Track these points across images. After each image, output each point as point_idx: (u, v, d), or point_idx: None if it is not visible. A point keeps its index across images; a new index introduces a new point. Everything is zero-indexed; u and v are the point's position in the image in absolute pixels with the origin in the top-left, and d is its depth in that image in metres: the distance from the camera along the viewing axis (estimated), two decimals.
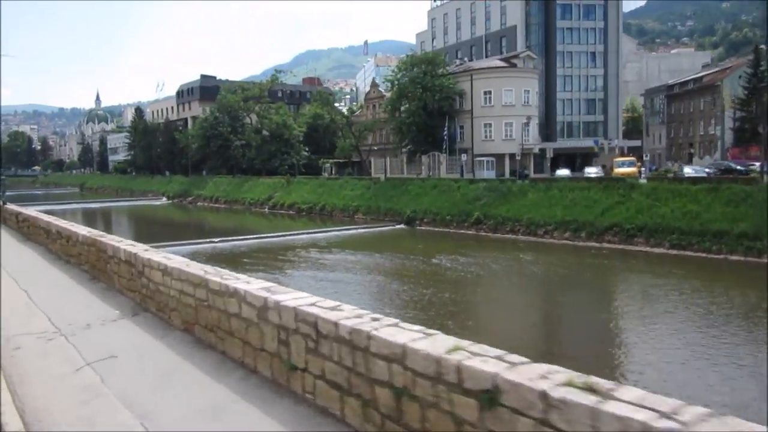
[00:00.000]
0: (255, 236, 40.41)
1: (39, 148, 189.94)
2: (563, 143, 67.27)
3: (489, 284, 26.27)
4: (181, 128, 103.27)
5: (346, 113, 70.14)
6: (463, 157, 52.44)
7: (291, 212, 59.15)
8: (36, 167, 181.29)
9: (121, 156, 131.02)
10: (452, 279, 26.92)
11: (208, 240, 38.26)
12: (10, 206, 21.58)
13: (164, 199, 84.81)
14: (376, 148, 63.85)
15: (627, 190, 35.81)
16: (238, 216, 62.57)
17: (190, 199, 79.32)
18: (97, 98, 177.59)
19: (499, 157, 53.82)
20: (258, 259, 32.40)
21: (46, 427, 5.16)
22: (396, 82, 55.16)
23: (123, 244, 9.88)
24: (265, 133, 78.27)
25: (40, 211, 31.75)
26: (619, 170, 42.65)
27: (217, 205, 72.57)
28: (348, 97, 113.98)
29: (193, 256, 30.90)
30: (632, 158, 48.53)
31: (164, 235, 47.26)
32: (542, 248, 34.22)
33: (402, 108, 56.64)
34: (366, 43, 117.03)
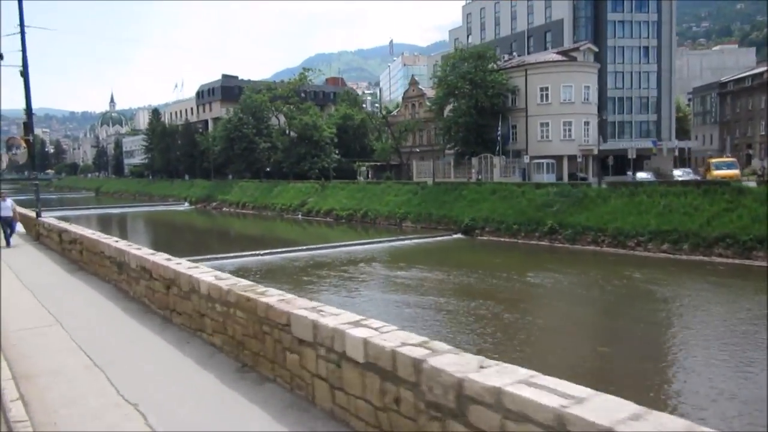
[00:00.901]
0: (303, 248, 36.19)
1: (52, 151, 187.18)
2: (613, 144, 62.68)
3: (625, 313, 21.62)
4: (201, 130, 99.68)
5: (382, 113, 65.92)
6: (525, 158, 48.09)
7: (328, 219, 54.98)
8: (49, 170, 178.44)
9: (137, 159, 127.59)
10: (563, 304, 22.55)
11: (253, 252, 34.13)
12: (49, 219, 17.61)
13: (186, 204, 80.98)
14: (418, 150, 59.61)
15: (734, 195, 31.31)
16: (271, 223, 58.47)
17: (215, 204, 75.37)
18: (112, 100, 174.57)
19: (557, 160, 49.44)
20: (319, 276, 28.17)
21: None
22: (445, 79, 50.86)
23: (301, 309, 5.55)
24: (292, 134, 74.27)
25: (57, 217, 27.88)
26: (719, 172, 38.11)
27: (244, 211, 68.54)
28: (368, 99, 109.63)
29: (242, 272, 26.67)
30: (732, 159, 44.00)
31: (201, 245, 43.26)
32: (640, 263, 29.74)
33: (449, 107, 52.36)
34: (391, 42, 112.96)
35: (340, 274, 28.38)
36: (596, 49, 54.18)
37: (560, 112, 49.35)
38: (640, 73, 66.29)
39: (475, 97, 48.94)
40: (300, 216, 58.87)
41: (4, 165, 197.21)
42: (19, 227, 18.65)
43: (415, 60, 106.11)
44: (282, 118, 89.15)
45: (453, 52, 53.61)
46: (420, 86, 63.72)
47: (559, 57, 50.46)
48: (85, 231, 12.28)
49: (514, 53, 56.46)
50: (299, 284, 26.61)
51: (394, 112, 64.43)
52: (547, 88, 49.61)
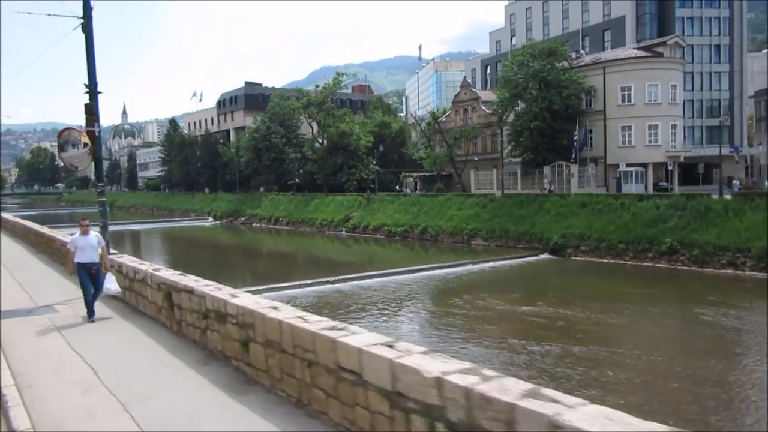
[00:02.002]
0: (375, 272, 30.51)
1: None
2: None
3: None
4: (222, 141, 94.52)
5: (428, 119, 60.39)
6: (622, 166, 42.43)
7: (378, 236, 49.33)
8: (59, 184, 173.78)
9: (152, 172, 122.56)
10: None
11: (322, 279, 28.48)
12: (133, 262, 11.13)
13: (210, 219, 75.65)
14: (477, 158, 53.98)
15: None
16: (312, 241, 52.88)
17: (243, 219, 69.90)
18: (124, 112, 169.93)
19: (640, 167, 43.81)
20: (433, 314, 22.47)
21: None
22: (511, 79, 45.35)
23: None
24: (327, 143, 68.87)
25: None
26: None
27: (277, 227, 62.97)
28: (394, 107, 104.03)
29: (320, 305, 20.95)
30: None
31: (248, 269, 37.62)
32: None
33: (517, 110, 46.83)
34: (420, 48, 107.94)
35: (452, 311, 22.64)
36: (684, 44, 48.67)
37: (645, 114, 43.76)
38: (711, 73, 60.78)
39: (547, 99, 43.41)
40: (344, 232, 53.29)
41: (13, 178, 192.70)
42: (112, 284, 10.38)
43: (447, 66, 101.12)
44: (313, 127, 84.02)
45: (520, 48, 48.13)
46: (473, 89, 58.25)
47: (642, 53, 44.99)
48: (248, 301, 6.60)
49: (581, 51, 51.07)
50: (413, 325, 20.96)
51: (443, 118, 58.94)
52: (629, 88, 44.05)
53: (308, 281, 28.21)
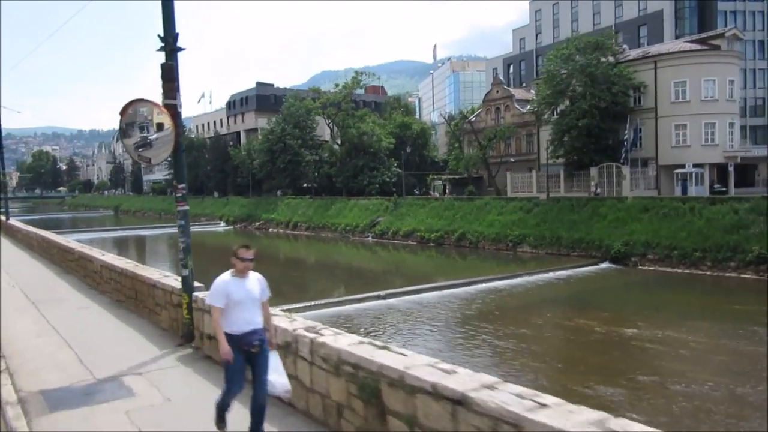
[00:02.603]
0: (428, 285, 27.24)
1: (64, 168, 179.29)
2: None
3: None
4: (232, 143, 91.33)
5: (456, 120, 57.18)
6: (688, 167, 39.17)
7: (409, 242, 46.07)
8: (61, 188, 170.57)
9: (158, 175, 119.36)
10: None
11: (372, 294, 25.20)
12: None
13: (222, 224, 72.32)
14: (513, 160, 50.72)
15: None
16: (336, 247, 49.63)
17: (258, 224, 66.59)
18: None
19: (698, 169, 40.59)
20: (502, 335, 19.13)
21: None
22: (555, 74, 42.13)
23: None
24: (346, 145, 65.67)
25: (81, 241, 19.58)
26: None
27: (296, 233, 59.69)
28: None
29: (383, 325, 17.39)
30: None
31: (284, 282, 34.24)
32: None
33: (556, 108, 43.63)
34: (435, 47, 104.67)
35: (545, 334, 19.35)
36: (743, 36, 45.48)
37: (701, 111, 40.55)
38: (755, 70, 57.66)
39: (596, 95, 40.20)
40: (370, 238, 50.02)
41: (14, 182, 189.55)
42: (281, 376, 5.23)
43: (464, 66, 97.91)
44: (332, 128, 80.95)
45: (564, 41, 44.95)
46: (505, 86, 55.04)
47: (697, 45, 41.83)
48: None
49: (624, 45, 47.96)
50: (522, 358, 17.68)
51: (472, 117, 55.72)
52: (684, 83, 40.87)
53: (357, 296, 24.93)
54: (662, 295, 26.35)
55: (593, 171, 42.25)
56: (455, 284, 27.31)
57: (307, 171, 71.21)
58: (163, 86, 6.69)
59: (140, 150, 6.72)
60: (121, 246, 56.05)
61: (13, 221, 25.66)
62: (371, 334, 19.91)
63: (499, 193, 49.70)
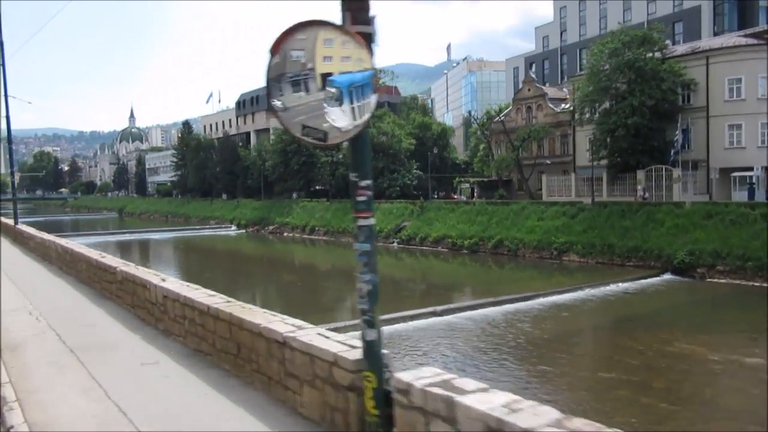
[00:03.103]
0: (487, 300, 24.41)
1: (66, 169, 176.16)
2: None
3: None
4: (241, 144, 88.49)
5: (480, 120, 54.31)
6: (757, 170, 36.28)
7: (439, 248, 43.24)
8: (63, 189, 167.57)
9: (163, 177, 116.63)
10: None
11: (427, 310, 22.39)
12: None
13: (233, 227, 69.44)
14: (549, 161, 47.83)
15: None
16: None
17: (271, 228, 63.71)
18: (131, 115, 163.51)
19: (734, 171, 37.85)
20: (596, 366, 16.25)
21: None
22: (599, 71, 39.29)
23: None
24: None
25: (88, 245, 17.70)
26: None
27: (313, 237, 56.81)
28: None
29: (455, 349, 14.59)
30: None
31: (318, 295, 31.39)
32: None
33: (596, 107, 40.75)
34: (449, 46, 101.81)
35: (651, 363, 16.46)
36: None
37: (757, 110, 37.76)
38: None
39: (646, 93, 37.37)
40: (396, 244, 47.16)
41: (17, 180, 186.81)
42: None
43: (481, 65, 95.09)
44: None
45: (609, 35, 42.09)
46: (537, 84, 52.18)
47: (753, 40, 39.09)
48: None
49: (668, 41, 45.24)
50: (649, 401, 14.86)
51: (501, 117, 52.86)
52: (739, 80, 38.10)
53: (409, 313, 22.07)
54: (754, 313, 23.45)
55: (640, 174, 39.38)
56: (514, 298, 24.47)
57: (322, 173, 68.44)
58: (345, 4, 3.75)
59: (298, 118, 3.72)
60: (127, 250, 53.18)
61: (23, 226, 22.68)
62: (432, 357, 17.08)
63: (533, 197, 46.85)
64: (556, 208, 39.36)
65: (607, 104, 40.23)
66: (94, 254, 11.60)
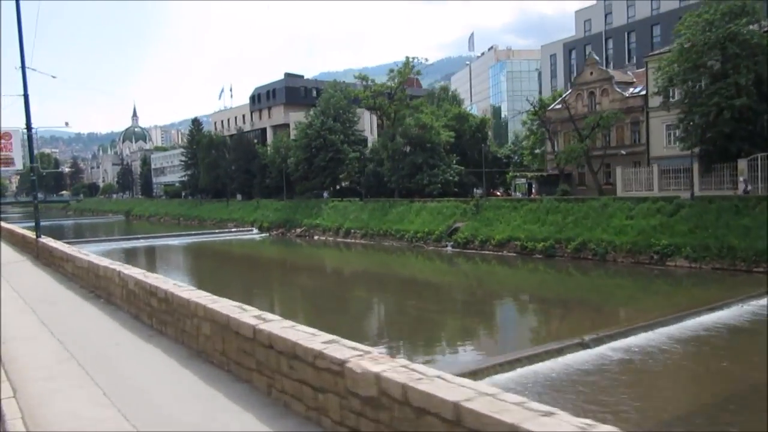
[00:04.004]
0: (638, 325, 19.28)
1: (67, 170, 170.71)
2: None
3: None
4: (256, 141, 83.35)
5: (531, 110, 49.07)
6: None
7: (505, 253, 38.18)
8: (63, 192, 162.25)
9: (171, 177, 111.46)
10: None
11: (573, 342, 17.24)
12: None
13: (255, 230, 64.29)
14: (624, 152, 42.60)
15: None
16: (412, 260, 41.84)
17: (299, 230, 58.55)
18: (134, 114, 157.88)
19: None
20: None
21: None
22: (692, 46, 34.17)
23: None
24: (399, 140, 57.72)
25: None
26: None
27: (348, 241, 51.71)
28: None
29: None
30: None
31: (397, 318, 26.22)
32: None
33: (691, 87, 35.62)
34: (472, 36, 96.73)
35: None
36: None
37: None
38: None
39: (752, 69, 32.35)
40: (450, 248, 42.10)
41: (14, 186, 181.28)
42: None
43: (509, 54, 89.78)
44: (369, 122, 73.20)
45: (699, 9, 36.99)
46: (601, 66, 47.02)
47: None
48: None
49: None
50: None
51: (557, 105, 47.80)
52: None
53: (549, 347, 16.96)
54: None
55: (742, 163, 34.31)
56: (669, 319, 19.38)
57: (350, 170, 63.37)
58: None
59: None
60: (150, 258, 48.02)
61: (49, 240, 17.30)
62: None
63: (602, 192, 41.80)
64: (647, 204, 34.25)
65: (697, 84, 35.14)
66: (150, 281, 6.60)
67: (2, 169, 23.41)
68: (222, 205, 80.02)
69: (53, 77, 22.03)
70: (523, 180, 48.27)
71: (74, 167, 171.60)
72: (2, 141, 20.06)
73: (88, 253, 13.52)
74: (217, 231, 63.87)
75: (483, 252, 39.65)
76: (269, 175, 73.81)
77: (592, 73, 46.09)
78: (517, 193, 48.43)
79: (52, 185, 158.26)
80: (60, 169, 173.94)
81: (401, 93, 57.98)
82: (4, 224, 29.17)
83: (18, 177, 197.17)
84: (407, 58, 58.48)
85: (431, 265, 39.67)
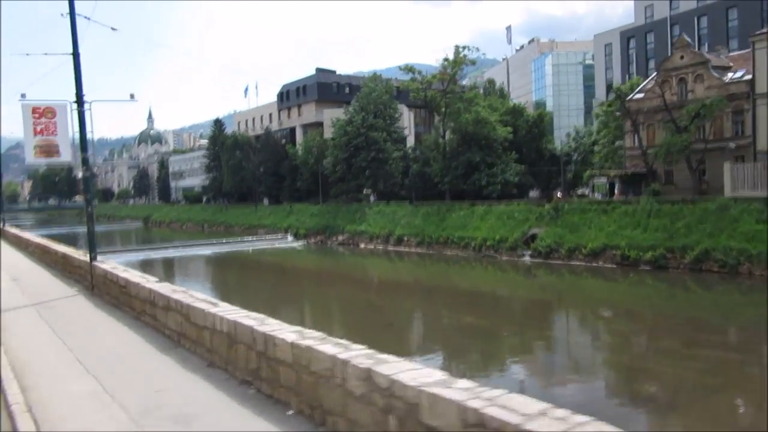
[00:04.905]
0: None
1: (81, 176, 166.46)
2: None
3: None
4: (284, 141, 78.39)
5: (607, 101, 43.80)
6: None
7: (600, 264, 32.90)
8: (77, 197, 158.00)
9: (191, 181, 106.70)
10: None
11: None
12: None
13: (290, 237, 59.22)
14: (733, 145, 37.01)
15: None
16: (485, 272, 36.65)
17: (342, 238, 53.44)
18: (150, 117, 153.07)
19: None
20: None
21: None
22: None
23: None
24: (450, 136, 52.59)
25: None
26: None
27: (401, 249, 46.55)
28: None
29: None
30: None
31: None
32: None
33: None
34: (509, 28, 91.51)
35: None
36: None
37: None
38: None
39: None
40: (528, 258, 36.82)
41: (26, 192, 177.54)
42: None
43: (552, 46, 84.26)
44: (410, 119, 68.25)
45: None
46: (694, 49, 41.60)
47: None
48: None
49: None
50: None
51: (639, 94, 42.42)
52: None
53: None
54: None
55: None
56: None
57: (393, 170, 58.19)
58: None
59: None
60: (183, 271, 43.07)
61: (117, 268, 11.64)
62: None
63: (703, 192, 36.43)
64: None
65: None
66: None
67: (44, 161, 17.34)
68: (249, 209, 75.11)
69: (113, 29, 16.81)
70: (604, 179, 42.84)
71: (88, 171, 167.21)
72: (42, 119, 14.11)
73: (192, 293, 8.43)
74: (248, 239, 58.83)
75: (572, 263, 34.36)
76: (300, 177, 68.88)
77: (682, 57, 40.64)
78: (596, 194, 43.11)
79: (65, 191, 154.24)
80: (74, 174, 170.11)
81: (453, 85, 52.79)
82: (29, 235, 24.23)
83: (31, 182, 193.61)
84: (457, 46, 53.22)
85: (521, 279, 34.48)
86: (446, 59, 50.86)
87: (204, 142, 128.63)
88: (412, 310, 28.33)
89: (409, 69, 54.86)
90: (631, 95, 43.52)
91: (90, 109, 13.46)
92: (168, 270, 42.82)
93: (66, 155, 15.34)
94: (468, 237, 41.49)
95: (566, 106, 74.77)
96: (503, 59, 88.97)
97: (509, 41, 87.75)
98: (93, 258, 12.42)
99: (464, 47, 53.05)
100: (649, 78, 44.58)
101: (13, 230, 32.40)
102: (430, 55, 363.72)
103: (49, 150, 14.62)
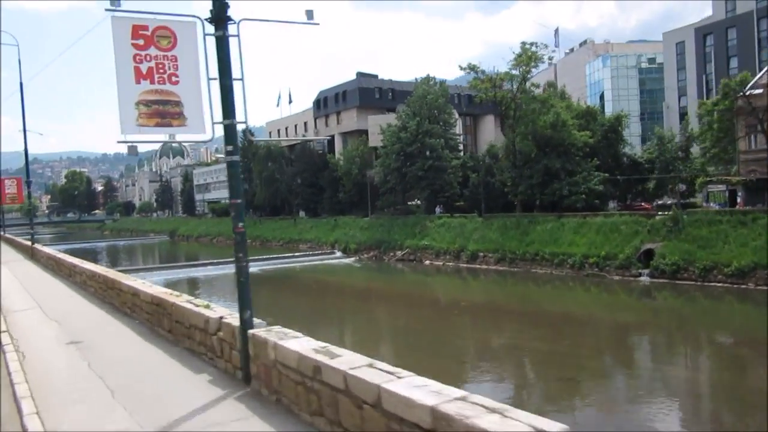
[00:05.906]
0: None
1: (100, 189, 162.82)
2: None
3: None
4: (321, 150, 73.42)
5: (712, 99, 38.53)
6: None
7: (752, 285, 27.22)
8: (96, 211, 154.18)
9: (215, 194, 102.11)
10: None
11: None
12: None
13: (338, 253, 53.94)
14: None
15: None
16: (615, 297, 31.02)
17: (401, 253, 48.02)
18: None
19: None
20: None
21: None
22: None
23: None
24: (524, 142, 47.26)
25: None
26: None
27: (476, 266, 41.06)
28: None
29: None
30: None
31: None
32: None
33: None
34: (557, 31, 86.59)
35: None
36: None
37: None
38: None
39: None
40: (646, 278, 31.24)
41: (44, 206, 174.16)
42: None
43: (608, 48, 79.01)
44: (461, 125, 63.10)
45: None
46: None
47: None
48: None
49: None
50: None
51: (757, 90, 37.10)
52: None
53: None
54: None
55: None
56: None
57: (451, 180, 52.93)
58: None
59: None
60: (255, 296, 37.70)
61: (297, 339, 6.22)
62: None
63: None
64: None
65: None
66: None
67: (157, 133, 8.38)
68: (287, 223, 70.03)
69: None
70: (722, 187, 37.35)
71: (107, 185, 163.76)
72: (151, 49, 6.65)
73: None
74: (293, 255, 53.62)
75: (708, 284, 28.74)
76: (343, 189, 63.81)
77: None
78: (712, 204, 37.63)
79: (84, 204, 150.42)
80: (93, 187, 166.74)
81: (523, 85, 47.61)
82: (74, 261, 19.03)
83: (49, 196, 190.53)
84: (523, 43, 48.03)
85: (635, 306, 28.80)
86: (519, 54, 45.63)
87: (221, 156, 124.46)
88: (538, 351, 22.79)
89: (471, 68, 49.74)
90: (744, 91, 38.06)
91: (239, 34, 7.35)
92: (221, 292, 37.59)
93: (197, 123, 7.49)
94: (563, 253, 35.95)
95: (626, 112, 69.35)
96: (549, 63, 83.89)
97: (557, 44, 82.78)
98: (248, 324, 6.45)
99: (532, 44, 47.94)
100: (763, 72, 39.10)
101: (46, 249, 27.21)
102: (443, 69, 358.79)
103: (164, 110, 6.80)
